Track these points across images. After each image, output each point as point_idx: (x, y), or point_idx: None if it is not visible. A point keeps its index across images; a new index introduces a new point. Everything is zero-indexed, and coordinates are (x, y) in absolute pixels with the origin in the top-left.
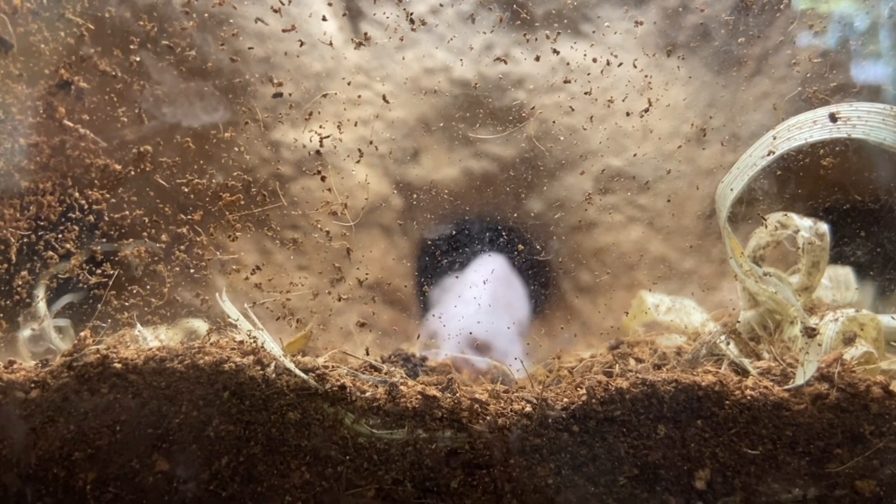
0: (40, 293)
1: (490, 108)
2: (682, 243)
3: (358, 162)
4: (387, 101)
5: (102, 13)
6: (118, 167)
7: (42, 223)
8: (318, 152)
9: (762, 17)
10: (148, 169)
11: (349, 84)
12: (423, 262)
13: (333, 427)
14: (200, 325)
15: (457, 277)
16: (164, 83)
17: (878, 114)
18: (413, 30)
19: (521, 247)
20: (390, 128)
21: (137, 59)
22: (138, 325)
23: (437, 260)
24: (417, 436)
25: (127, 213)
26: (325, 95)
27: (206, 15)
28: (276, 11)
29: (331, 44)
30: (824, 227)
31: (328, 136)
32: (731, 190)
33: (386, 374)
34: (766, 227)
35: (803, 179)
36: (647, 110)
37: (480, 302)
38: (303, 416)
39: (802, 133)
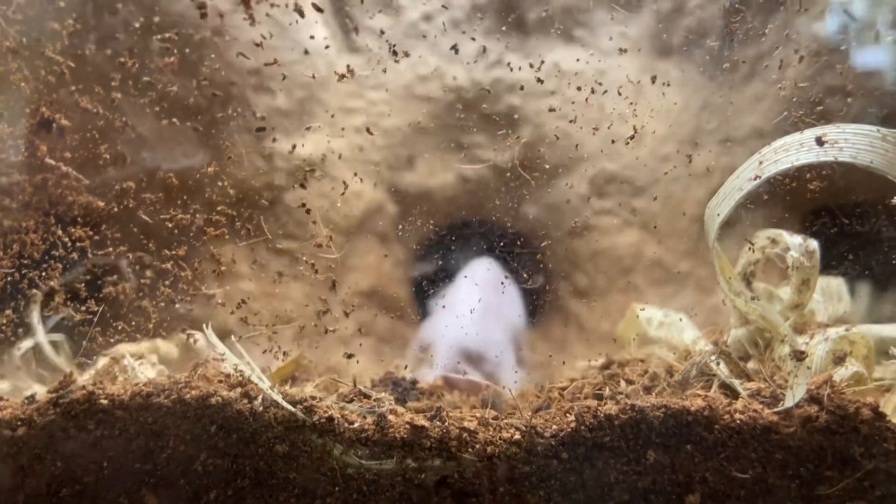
0: (34, 311)
1: (483, 115)
2: (677, 246)
3: (343, 189)
4: (370, 133)
5: (83, 51)
6: (101, 204)
7: (25, 261)
8: (302, 185)
9: (748, 38)
10: (131, 205)
11: (332, 117)
12: (418, 269)
13: (322, 459)
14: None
15: (443, 304)
16: (146, 120)
17: (866, 136)
18: (396, 61)
19: (506, 276)
20: (384, 135)
21: (119, 95)
22: (128, 355)
23: (431, 267)
24: (406, 465)
25: (111, 249)
26: (308, 128)
27: (188, 50)
28: (258, 45)
29: (313, 76)
30: (814, 244)
31: (311, 170)
32: (718, 215)
33: (375, 401)
34: (754, 250)
35: (790, 203)
36: (633, 137)
37: (473, 311)
38: (291, 448)
39: (789, 156)
